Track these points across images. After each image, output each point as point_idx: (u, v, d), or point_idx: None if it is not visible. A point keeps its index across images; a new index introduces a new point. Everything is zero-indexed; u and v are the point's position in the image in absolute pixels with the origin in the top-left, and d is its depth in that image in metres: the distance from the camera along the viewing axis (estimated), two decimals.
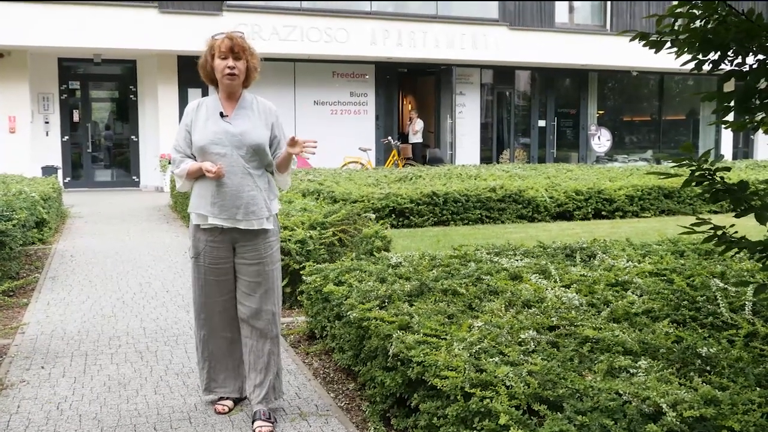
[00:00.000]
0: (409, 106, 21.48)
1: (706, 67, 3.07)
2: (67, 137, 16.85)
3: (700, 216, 3.21)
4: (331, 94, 18.33)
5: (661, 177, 3.05)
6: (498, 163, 19.07)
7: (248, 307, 3.71)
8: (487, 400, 2.73)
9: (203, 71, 3.71)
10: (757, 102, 3.01)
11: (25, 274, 7.28)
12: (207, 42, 3.68)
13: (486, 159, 19.89)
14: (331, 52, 16.95)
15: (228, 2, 16.14)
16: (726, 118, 3.14)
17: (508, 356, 3.09)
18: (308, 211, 7.04)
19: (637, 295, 4.17)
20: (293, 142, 3.60)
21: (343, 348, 4.26)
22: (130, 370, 4.49)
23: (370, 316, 3.79)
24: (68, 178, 16.83)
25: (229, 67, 3.60)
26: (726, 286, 4.16)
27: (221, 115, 3.66)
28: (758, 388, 2.81)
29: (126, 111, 17.52)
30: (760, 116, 3.11)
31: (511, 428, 2.56)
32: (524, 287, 4.22)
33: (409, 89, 21.49)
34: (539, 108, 20.79)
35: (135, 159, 17.43)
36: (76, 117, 17.05)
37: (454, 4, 18.14)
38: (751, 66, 3.01)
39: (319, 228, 6.33)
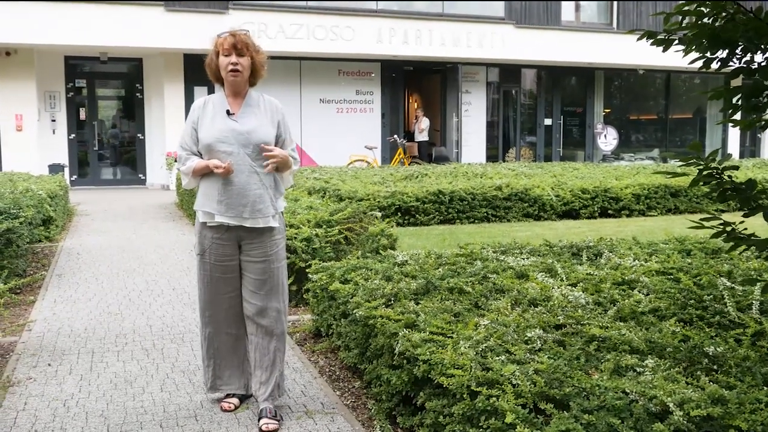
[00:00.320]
0: (415, 104, 21.47)
1: (715, 65, 3.06)
2: (73, 135, 16.90)
3: (709, 212, 3.19)
4: (337, 92, 18.33)
5: (669, 176, 3.04)
6: (504, 161, 19.06)
7: (254, 304, 3.71)
8: (494, 398, 2.72)
9: (209, 69, 3.73)
10: (765, 100, 2.99)
11: (32, 272, 7.30)
12: (213, 40, 3.69)
13: (492, 157, 19.86)
14: (337, 50, 16.96)
15: (234, 0, 16.15)
16: (733, 117, 3.12)
17: (515, 355, 3.08)
18: (314, 209, 7.05)
19: (643, 293, 4.16)
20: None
21: (349, 346, 4.26)
22: (137, 367, 4.50)
23: (376, 314, 3.79)
24: (75, 176, 16.88)
25: (232, 64, 3.60)
26: (733, 285, 4.14)
27: (228, 113, 3.66)
28: (765, 388, 2.80)
29: (132, 109, 17.56)
30: None
31: (518, 427, 2.55)
32: (530, 286, 4.21)
33: (415, 87, 21.48)
34: (545, 106, 20.75)
35: (141, 157, 17.47)
36: (82, 115, 17.10)
37: (460, 2, 18.13)
38: (759, 64, 3.00)
39: (325, 226, 6.33)
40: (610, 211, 11.88)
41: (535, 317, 3.63)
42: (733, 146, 22.69)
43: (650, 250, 5.47)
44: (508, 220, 11.14)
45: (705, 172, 3.04)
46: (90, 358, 4.67)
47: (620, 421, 2.53)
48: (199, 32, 15.13)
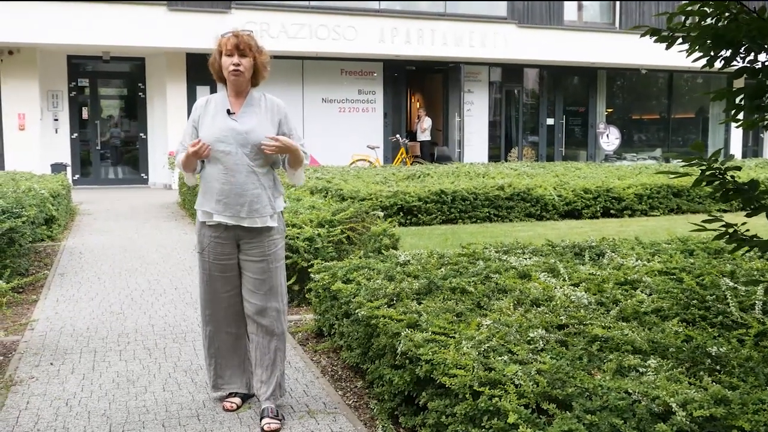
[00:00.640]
0: (418, 104, 21.47)
1: (718, 65, 3.06)
2: (76, 134, 16.92)
3: (712, 214, 3.19)
4: (340, 91, 18.33)
5: (672, 176, 3.03)
6: (506, 161, 19.05)
7: (253, 304, 3.72)
8: (496, 398, 2.72)
9: (212, 69, 3.74)
10: None
11: (34, 271, 7.31)
12: (216, 40, 3.70)
13: (494, 157, 19.85)
14: (339, 49, 16.96)
15: (237, 0, 16.15)
16: (736, 117, 3.12)
17: (517, 355, 3.08)
18: (316, 208, 7.05)
19: (646, 294, 4.15)
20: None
21: (351, 346, 4.26)
22: (139, 366, 4.50)
23: (379, 314, 3.79)
24: (77, 176, 16.90)
25: (234, 64, 3.61)
26: (736, 285, 4.14)
27: (228, 112, 3.67)
28: None
29: (135, 108, 17.58)
30: None
31: (520, 427, 2.55)
32: (533, 286, 4.21)
33: (418, 87, 21.47)
34: (548, 106, 20.74)
35: (143, 156, 17.49)
36: (85, 114, 17.11)
37: (462, 2, 18.13)
38: (763, 63, 2.99)
39: (327, 226, 6.33)
40: (612, 211, 11.87)
41: (537, 317, 3.63)
42: (736, 146, 22.67)
43: (653, 250, 5.47)
44: (511, 220, 11.14)
45: (708, 173, 3.04)
46: (92, 357, 4.68)
47: (623, 421, 2.53)
48: (201, 32, 15.15)
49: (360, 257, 5.32)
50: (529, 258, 5.06)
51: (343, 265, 4.90)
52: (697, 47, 3.02)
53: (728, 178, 3.02)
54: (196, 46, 15.24)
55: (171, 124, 16.46)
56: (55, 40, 14.88)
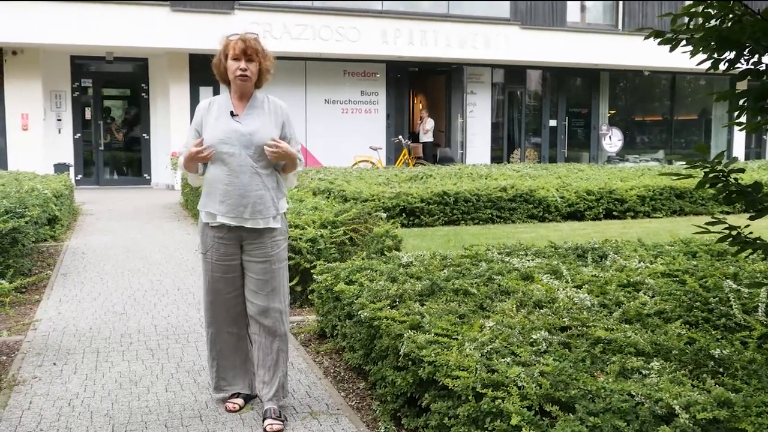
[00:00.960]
0: (420, 105, 21.47)
1: (722, 67, 3.05)
2: (79, 135, 16.94)
3: (715, 216, 3.18)
4: (342, 92, 18.34)
5: (675, 178, 3.03)
6: (509, 162, 19.03)
7: (256, 304, 3.72)
8: (499, 400, 2.72)
9: (216, 70, 3.73)
10: None
11: (37, 271, 7.32)
12: (222, 41, 3.69)
13: (497, 158, 19.85)
14: (342, 50, 16.97)
15: (240, 1, 16.16)
16: (739, 119, 3.11)
17: (520, 357, 3.08)
18: (319, 209, 7.05)
19: (649, 296, 4.15)
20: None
21: (353, 347, 4.26)
22: (142, 367, 4.51)
23: (381, 315, 3.79)
24: (80, 176, 16.92)
25: (241, 69, 3.61)
26: (739, 287, 4.13)
27: (231, 114, 3.67)
28: None
29: (137, 109, 17.59)
30: None
31: (523, 429, 2.55)
32: (536, 287, 4.21)
33: (420, 88, 21.47)
34: (550, 107, 20.73)
35: (146, 157, 17.51)
36: (88, 115, 17.13)
37: (465, 3, 18.11)
38: (767, 65, 2.99)
39: (329, 227, 6.33)
40: (615, 213, 11.86)
41: (540, 319, 3.63)
42: (739, 148, 22.65)
43: (656, 252, 5.46)
44: (513, 222, 11.13)
45: (711, 175, 3.03)
46: (95, 357, 4.68)
47: (626, 423, 2.53)
48: (204, 32, 15.17)
49: (363, 258, 5.32)
50: (532, 260, 5.06)
51: (345, 267, 4.90)
52: (701, 49, 3.02)
53: (732, 180, 3.02)
54: (199, 46, 15.26)
55: (174, 124, 16.47)
56: (59, 41, 14.91)
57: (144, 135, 17.42)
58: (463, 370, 2.96)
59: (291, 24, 16.41)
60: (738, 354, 3.15)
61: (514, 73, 20.12)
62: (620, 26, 19.86)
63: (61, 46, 15.37)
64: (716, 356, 3.11)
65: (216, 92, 15.61)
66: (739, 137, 22.69)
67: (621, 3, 19.87)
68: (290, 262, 5.50)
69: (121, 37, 15.16)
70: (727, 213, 11.87)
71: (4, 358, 4.71)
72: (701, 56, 3.06)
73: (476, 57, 18.21)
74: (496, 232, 10.04)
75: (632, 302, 3.95)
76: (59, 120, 16.66)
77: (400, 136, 18.34)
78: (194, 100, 16.51)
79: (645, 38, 3.19)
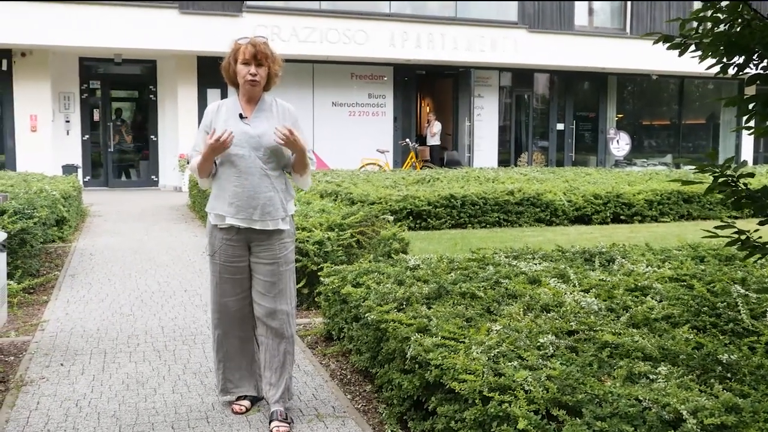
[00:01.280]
0: (427, 108, 21.47)
1: (731, 71, 3.04)
2: (87, 136, 17.00)
3: (723, 220, 3.17)
4: (350, 95, 18.36)
5: (684, 184, 3.02)
6: (516, 166, 19.02)
7: (263, 306, 3.73)
8: (506, 404, 2.71)
9: (225, 73, 3.74)
10: None
11: (45, 272, 7.34)
12: (231, 45, 3.70)
13: (504, 162, 19.84)
14: (349, 53, 16.98)
15: (248, 3, 16.21)
16: (748, 124, 3.11)
17: (527, 360, 3.07)
18: (326, 212, 7.05)
19: (656, 300, 4.14)
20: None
21: (360, 350, 4.26)
22: (149, 368, 4.52)
23: (388, 318, 3.79)
24: (88, 177, 16.98)
25: (251, 74, 3.63)
26: (747, 292, 4.12)
27: (240, 116, 3.68)
28: None
29: (146, 111, 17.66)
30: None
31: None
32: (543, 291, 4.20)
33: (428, 91, 21.48)
34: (558, 111, 20.71)
35: (154, 159, 17.56)
36: (96, 116, 17.20)
37: (473, 6, 18.12)
38: None
39: (337, 229, 6.34)
40: (622, 217, 11.83)
41: (547, 323, 3.62)
42: (747, 152, 22.57)
43: (663, 257, 5.45)
44: (520, 225, 11.12)
45: (720, 180, 3.03)
46: (102, 358, 4.70)
47: (633, 428, 2.52)
48: (212, 35, 15.21)
49: (370, 261, 5.32)
50: (539, 263, 5.05)
51: (352, 269, 4.90)
52: (710, 54, 3.02)
53: (741, 185, 3.01)
54: (207, 49, 15.31)
55: (182, 126, 16.52)
56: (67, 42, 14.97)
57: (152, 137, 17.48)
58: (470, 373, 2.96)
59: (299, 27, 16.44)
60: (746, 359, 3.14)
61: (522, 76, 20.11)
62: (628, 30, 19.82)
63: (69, 47, 15.43)
64: (724, 361, 3.10)
65: (224, 95, 15.66)
66: (748, 141, 22.62)
67: (629, 6, 19.84)
68: (297, 265, 5.52)
69: (130, 39, 15.22)
70: (736, 218, 11.79)
71: (12, 358, 4.72)
72: (710, 61, 3.05)
73: (484, 60, 18.21)
74: (503, 235, 10.03)
75: (640, 307, 3.94)
76: (68, 121, 16.73)
77: (408, 139, 18.34)
78: (202, 103, 16.55)
79: (654, 43, 3.18)
